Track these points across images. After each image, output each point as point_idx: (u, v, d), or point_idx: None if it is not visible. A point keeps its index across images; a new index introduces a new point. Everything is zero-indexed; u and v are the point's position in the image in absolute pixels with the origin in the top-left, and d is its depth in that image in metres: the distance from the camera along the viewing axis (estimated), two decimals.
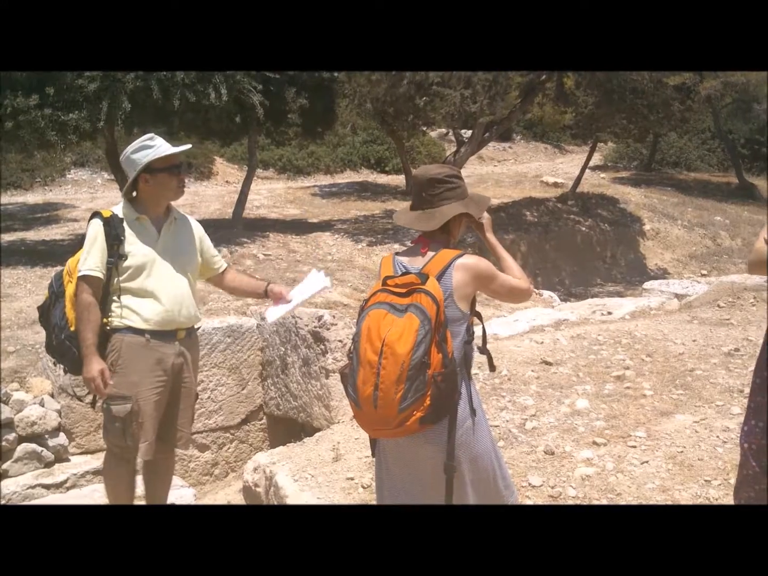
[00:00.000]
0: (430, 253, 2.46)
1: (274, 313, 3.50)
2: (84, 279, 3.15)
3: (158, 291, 3.23)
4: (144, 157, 3.18)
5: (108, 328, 3.21)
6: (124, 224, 3.21)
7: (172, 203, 3.39)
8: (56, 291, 3.34)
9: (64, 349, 3.26)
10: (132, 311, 3.20)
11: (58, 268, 3.61)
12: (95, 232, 3.19)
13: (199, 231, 3.49)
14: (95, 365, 3.13)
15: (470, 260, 2.43)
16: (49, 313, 3.35)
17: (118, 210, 3.26)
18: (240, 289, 3.66)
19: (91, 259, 3.17)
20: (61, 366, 3.40)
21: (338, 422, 4.88)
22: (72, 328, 3.22)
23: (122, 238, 3.18)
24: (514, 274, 2.55)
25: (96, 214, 3.24)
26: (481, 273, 2.42)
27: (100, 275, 3.16)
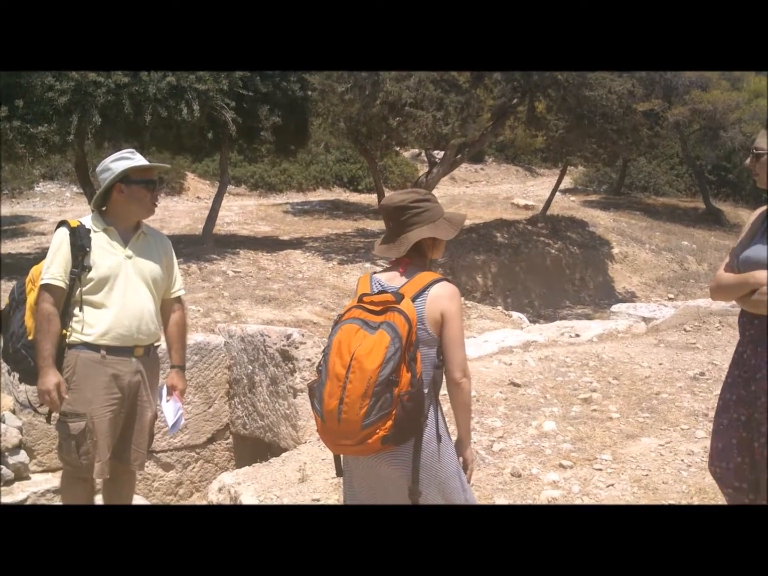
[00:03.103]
0: (409, 274, 2.46)
1: (169, 413, 3.41)
2: (46, 288, 3.11)
3: (119, 305, 3.18)
4: (122, 166, 3.17)
5: (65, 342, 3.15)
6: (91, 235, 3.17)
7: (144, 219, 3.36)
8: (17, 298, 3.29)
9: (20, 357, 3.20)
10: (90, 325, 3.15)
11: None
12: (60, 241, 3.15)
13: (168, 251, 3.44)
14: (52, 378, 3.08)
15: (445, 290, 2.41)
16: (8, 320, 3.29)
17: (86, 221, 3.23)
18: (166, 332, 3.49)
19: (54, 268, 3.12)
20: (16, 375, 3.33)
21: (305, 442, 4.84)
22: (30, 337, 3.17)
23: (87, 249, 3.13)
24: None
25: (63, 223, 3.20)
26: (445, 309, 2.39)
27: (63, 285, 3.12)
